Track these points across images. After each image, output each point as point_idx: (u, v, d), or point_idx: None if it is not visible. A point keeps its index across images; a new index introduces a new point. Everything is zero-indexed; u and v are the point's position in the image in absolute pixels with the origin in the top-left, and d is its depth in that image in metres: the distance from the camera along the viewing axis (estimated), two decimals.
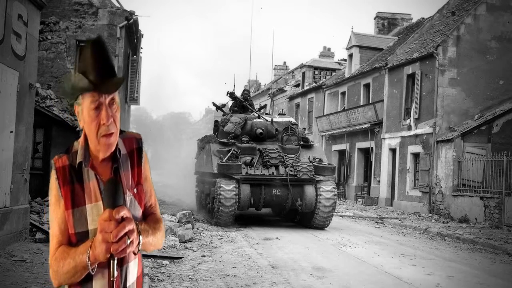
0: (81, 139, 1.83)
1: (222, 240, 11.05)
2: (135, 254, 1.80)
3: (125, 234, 1.62)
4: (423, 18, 26.97)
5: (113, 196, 1.65)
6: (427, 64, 19.88)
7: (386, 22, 31.18)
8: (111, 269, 1.67)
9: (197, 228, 12.43)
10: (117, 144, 1.84)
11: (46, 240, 8.82)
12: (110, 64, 1.78)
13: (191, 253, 9.25)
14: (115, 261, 1.67)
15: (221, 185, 12.81)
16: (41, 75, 14.59)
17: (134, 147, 1.92)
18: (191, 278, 7.15)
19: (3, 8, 7.75)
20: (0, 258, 7.23)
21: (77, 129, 13.87)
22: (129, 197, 1.83)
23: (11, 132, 8.25)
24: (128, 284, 1.83)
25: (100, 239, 1.62)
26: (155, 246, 1.88)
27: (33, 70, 9.33)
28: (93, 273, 1.72)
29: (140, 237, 1.73)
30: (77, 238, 1.78)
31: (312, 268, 8.20)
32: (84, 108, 1.76)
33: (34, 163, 13.32)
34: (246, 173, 13.23)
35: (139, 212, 1.88)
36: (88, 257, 1.67)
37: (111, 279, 1.69)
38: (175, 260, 8.38)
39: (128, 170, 1.88)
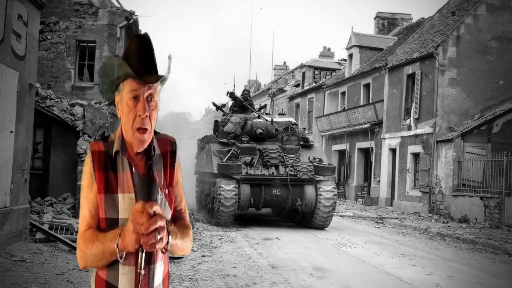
0: (118, 130, 1.87)
1: (222, 240, 11.06)
2: (163, 252, 1.82)
3: (156, 229, 1.64)
4: (423, 18, 26.96)
5: (148, 190, 1.67)
6: (427, 64, 19.88)
7: (386, 22, 31.18)
8: (139, 261, 1.70)
9: (197, 228, 12.43)
10: (152, 142, 1.87)
11: (46, 240, 8.83)
12: (154, 60, 1.82)
13: (191, 253, 9.25)
14: (144, 253, 1.70)
15: (221, 185, 12.81)
16: (41, 75, 14.59)
17: (168, 149, 1.94)
18: (191, 278, 7.15)
19: (3, 8, 7.76)
20: (0, 258, 7.23)
21: (77, 129, 13.87)
22: (160, 196, 1.84)
23: (11, 132, 8.25)
24: (155, 285, 1.84)
25: (131, 229, 1.64)
26: (182, 251, 1.89)
27: (33, 70, 9.33)
28: (121, 261, 1.74)
29: (170, 236, 1.75)
30: (107, 223, 1.80)
31: (312, 268, 8.20)
32: (123, 97, 1.81)
33: (34, 163, 13.32)
34: (246, 173, 13.23)
35: (168, 213, 1.89)
36: (117, 245, 1.69)
37: (138, 270, 1.72)
38: (175, 260, 8.38)
39: (160, 170, 1.89)
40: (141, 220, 1.62)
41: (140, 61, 1.77)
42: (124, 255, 1.73)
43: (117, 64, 1.78)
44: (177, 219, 1.96)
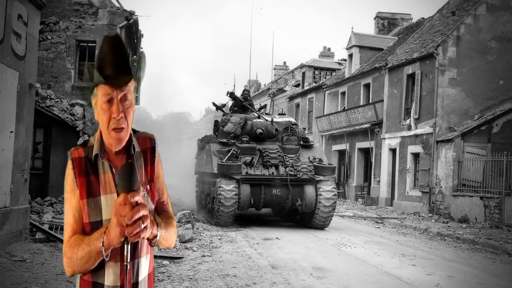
0: (97, 134, 1.90)
1: (222, 240, 11.06)
2: (151, 245, 1.84)
3: (139, 218, 1.66)
4: (423, 18, 26.96)
5: (128, 181, 1.68)
6: (427, 64, 19.88)
7: (386, 22, 31.18)
8: (126, 253, 1.73)
9: (197, 228, 12.43)
10: (131, 140, 1.90)
11: (46, 240, 8.83)
12: (126, 60, 1.84)
13: (191, 253, 9.25)
14: (129, 245, 1.72)
15: (221, 185, 12.80)
16: (41, 75, 14.59)
17: (148, 146, 1.98)
18: (191, 278, 7.15)
19: (3, 8, 7.75)
20: (0, 258, 7.23)
21: (77, 129, 13.87)
22: (142, 192, 1.86)
23: (11, 132, 8.25)
24: (140, 279, 1.88)
25: (115, 222, 1.66)
26: (167, 241, 1.90)
27: (33, 70, 9.33)
28: (106, 259, 1.76)
29: (158, 229, 1.79)
30: (91, 227, 1.83)
31: (312, 268, 8.20)
32: (98, 100, 1.84)
33: (34, 163, 13.32)
34: (246, 173, 13.22)
35: (151, 208, 1.92)
36: (102, 243, 1.71)
37: (125, 263, 1.75)
38: (175, 260, 8.39)
39: (141, 167, 1.93)
40: (124, 212, 1.64)
41: (113, 64, 1.79)
42: (109, 254, 1.75)
43: (91, 71, 1.83)
44: (160, 211, 1.99)
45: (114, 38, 1.83)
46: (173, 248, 9.51)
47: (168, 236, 1.89)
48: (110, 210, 1.79)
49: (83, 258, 1.76)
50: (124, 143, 1.86)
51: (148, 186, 1.92)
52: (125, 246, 1.71)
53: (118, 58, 1.80)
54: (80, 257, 1.76)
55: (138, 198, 1.65)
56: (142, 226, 1.66)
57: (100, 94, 1.82)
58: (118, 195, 1.77)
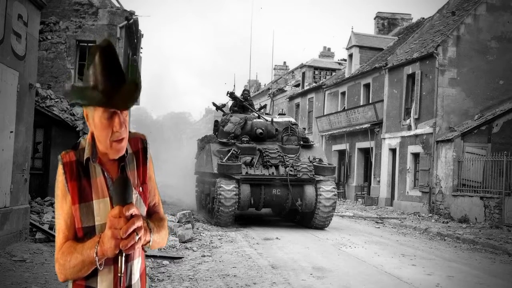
0: (88, 137, 1.84)
1: (222, 240, 11.06)
2: (145, 251, 1.86)
3: (134, 230, 1.65)
4: (423, 18, 26.97)
5: (123, 193, 1.67)
6: (427, 64, 19.88)
7: (386, 22, 31.18)
8: (119, 265, 1.72)
9: (197, 228, 12.43)
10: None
11: (46, 240, 8.83)
12: (120, 70, 1.73)
13: (191, 253, 9.25)
14: (123, 257, 1.71)
15: (221, 185, 12.80)
16: (41, 75, 14.58)
17: (140, 147, 1.95)
18: (191, 278, 7.15)
19: (3, 8, 7.75)
20: (0, 258, 7.22)
21: (77, 129, 13.87)
22: (135, 195, 1.85)
23: (11, 132, 8.25)
24: (133, 282, 1.86)
25: (109, 235, 1.65)
26: (159, 244, 1.91)
27: (33, 70, 9.32)
28: (101, 269, 1.75)
29: (151, 234, 1.80)
30: (83, 232, 1.80)
31: (312, 268, 8.20)
32: (95, 116, 1.75)
33: (34, 163, 13.31)
34: (246, 173, 13.22)
35: (144, 210, 1.91)
36: (96, 253, 1.69)
37: (119, 274, 1.73)
38: (175, 260, 8.38)
39: (134, 169, 1.90)
40: (119, 225, 1.63)
41: (108, 78, 1.68)
42: (103, 262, 1.74)
43: (87, 93, 1.71)
44: (152, 213, 1.99)
45: (106, 48, 1.72)
46: (173, 248, 9.51)
47: (160, 240, 1.90)
48: (103, 215, 1.77)
49: (76, 266, 1.74)
50: (123, 152, 1.82)
51: (140, 188, 1.90)
52: (119, 257, 1.71)
53: (113, 69, 1.70)
54: (73, 265, 1.74)
55: (133, 210, 1.65)
56: (137, 238, 1.66)
57: (99, 111, 1.73)
58: (110, 199, 1.76)
